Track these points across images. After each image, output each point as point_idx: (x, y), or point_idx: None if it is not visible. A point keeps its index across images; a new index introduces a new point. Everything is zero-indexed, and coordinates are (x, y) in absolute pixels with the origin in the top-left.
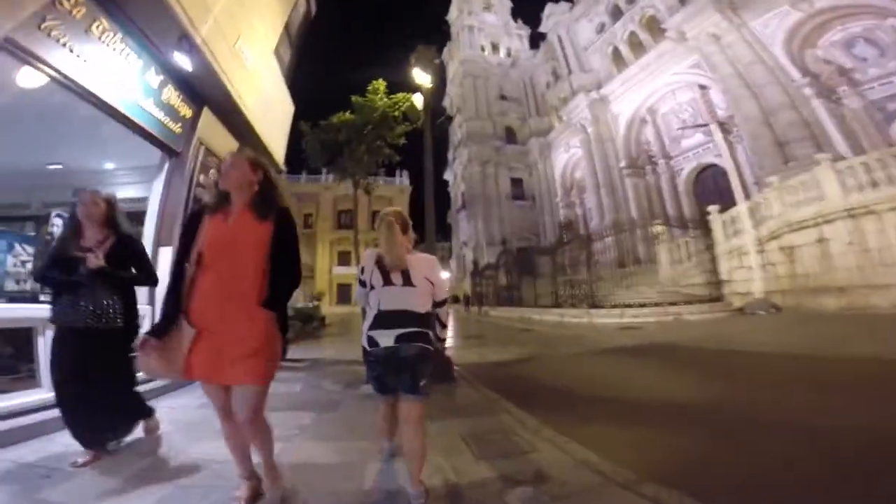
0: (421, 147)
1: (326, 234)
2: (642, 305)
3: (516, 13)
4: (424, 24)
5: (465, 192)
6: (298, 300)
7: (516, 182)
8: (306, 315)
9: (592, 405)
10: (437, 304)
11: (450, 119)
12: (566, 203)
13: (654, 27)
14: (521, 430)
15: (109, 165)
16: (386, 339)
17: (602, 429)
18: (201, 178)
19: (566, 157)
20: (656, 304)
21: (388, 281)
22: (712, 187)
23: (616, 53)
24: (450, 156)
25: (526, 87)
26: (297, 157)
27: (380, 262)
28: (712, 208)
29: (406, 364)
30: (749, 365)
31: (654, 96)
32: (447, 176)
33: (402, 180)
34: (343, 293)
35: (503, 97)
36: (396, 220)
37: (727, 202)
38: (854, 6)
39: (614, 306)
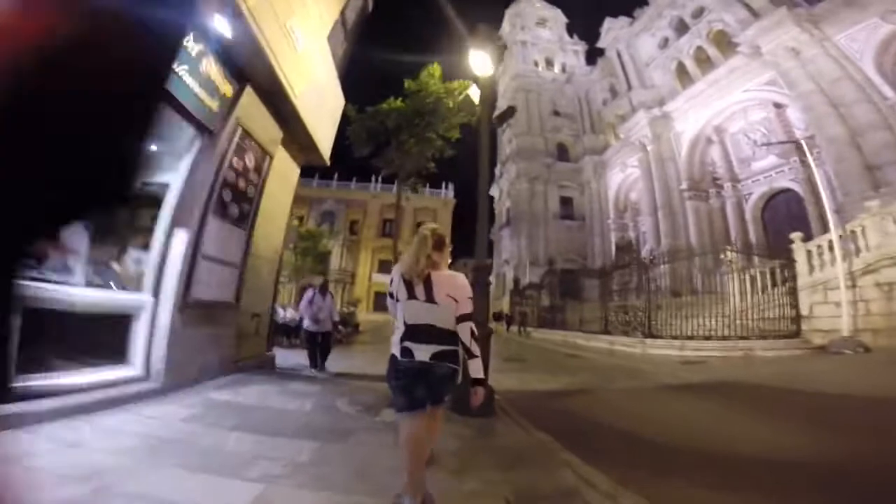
0: (467, 159)
1: (370, 242)
2: (707, 338)
3: (572, 29)
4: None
5: (510, 209)
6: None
7: (566, 201)
8: (342, 319)
9: (671, 455)
10: (461, 319)
11: (513, 110)
12: (618, 226)
13: (723, 42)
14: (590, 494)
15: None
16: (422, 353)
17: (699, 493)
18: (234, 160)
19: (621, 176)
20: (723, 338)
21: (411, 295)
22: (784, 214)
23: (680, 69)
24: (497, 171)
25: (581, 103)
26: (345, 157)
27: (404, 276)
28: (795, 236)
29: (437, 382)
30: (848, 409)
31: (722, 115)
32: (493, 191)
33: (447, 193)
34: (380, 301)
35: (556, 113)
36: (432, 236)
37: (800, 231)
38: None
39: (674, 337)
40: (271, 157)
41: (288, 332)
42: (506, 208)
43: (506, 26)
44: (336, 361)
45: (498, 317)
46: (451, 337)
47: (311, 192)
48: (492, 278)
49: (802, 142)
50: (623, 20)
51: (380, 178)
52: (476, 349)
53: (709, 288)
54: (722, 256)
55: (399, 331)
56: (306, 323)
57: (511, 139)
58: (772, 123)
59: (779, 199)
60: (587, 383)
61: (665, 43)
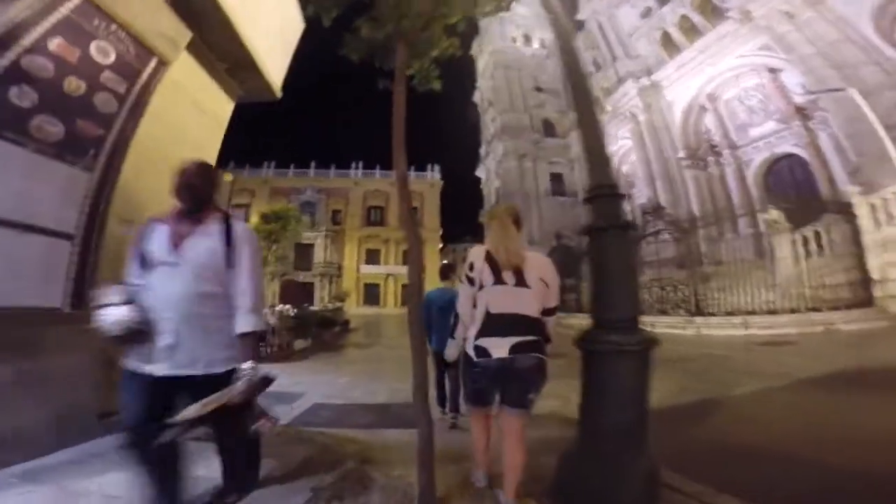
0: (454, 139)
1: (355, 232)
2: (772, 312)
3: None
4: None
5: (499, 189)
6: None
7: (556, 178)
8: (324, 319)
9: None
10: (547, 312)
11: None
12: None
13: (708, 9)
14: None
15: None
16: (499, 349)
17: None
18: (54, 42)
19: (613, 149)
20: (792, 311)
21: (499, 279)
22: (789, 179)
23: (666, 38)
24: (482, 151)
25: (564, 77)
26: (327, 141)
27: (490, 259)
28: (852, 189)
29: (519, 376)
30: None
31: (714, 82)
32: (479, 172)
33: (433, 174)
34: (371, 293)
35: (539, 89)
36: (509, 215)
37: (806, 195)
38: None
39: (729, 313)
40: (164, 64)
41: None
42: (494, 188)
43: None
44: (316, 375)
45: None
46: (535, 326)
47: (287, 182)
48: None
49: (788, 111)
50: None
51: (360, 164)
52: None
53: (743, 255)
54: (765, 216)
55: (475, 325)
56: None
57: (494, 117)
58: (766, 89)
59: (782, 165)
60: (688, 387)
61: (648, 13)
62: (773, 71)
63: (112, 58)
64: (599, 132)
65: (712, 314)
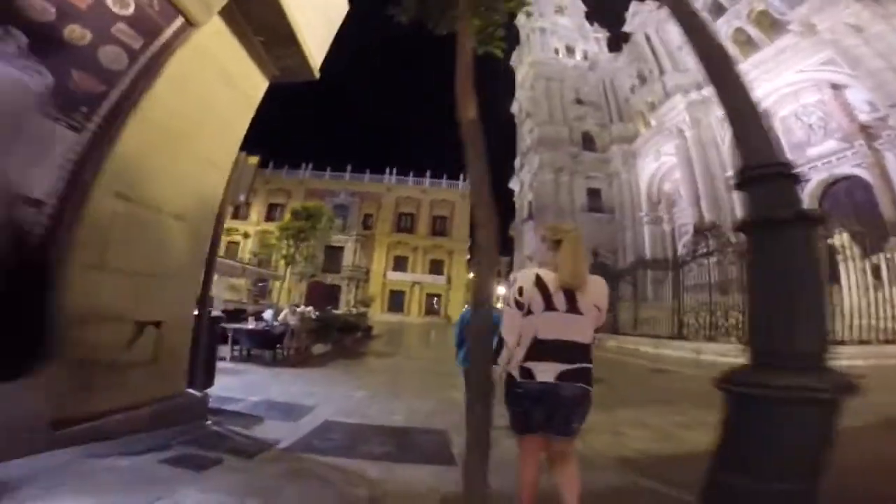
0: (491, 145)
1: (385, 238)
2: (840, 342)
3: (591, 17)
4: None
5: (533, 202)
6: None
7: (593, 193)
8: (347, 324)
9: None
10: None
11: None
12: (652, 218)
13: (765, 23)
14: None
15: None
16: (545, 374)
17: None
18: None
19: (655, 166)
20: (861, 342)
21: (549, 306)
22: (846, 202)
23: None
24: (516, 163)
25: (606, 90)
26: (363, 145)
27: (540, 283)
28: None
29: (563, 405)
30: None
31: (770, 97)
32: (513, 185)
33: (466, 185)
34: (395, 300)
35: (579, 101)
36: (580, 235)
37: (864, 219)
38: None
39: None
40: (192, 25)
41: (270, 342)
42: (528, 201)
43: (521, 16)
44: (331, 385)
45: None
46: (586, 352)
47: (322, 184)
48: (512, 274)
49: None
50: (650, 4)
51: (394, 170)
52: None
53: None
54: (830, 240)
55: (522, 346)
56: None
57: (532, 129)
58: (827, 105)
59: (838, 188)
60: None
61: None
62: (835, 87)
63: (131, 9)
64: (747, 94)
65: None
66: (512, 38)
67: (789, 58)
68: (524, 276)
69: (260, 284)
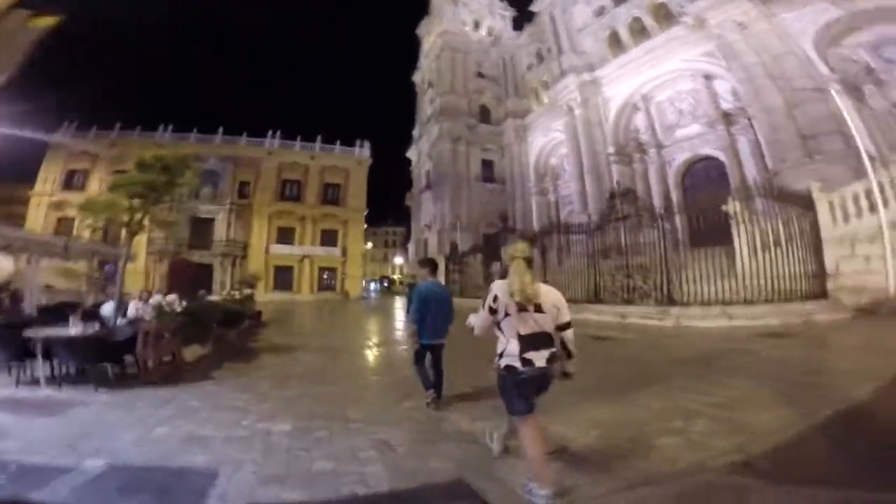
0: (387, 114)
1: (265, 207)
2: (749, 302)
3: None
4: None
5: (431, 171)
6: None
7: (487, 164)
8: (229, 313)
9: None
10: (563, 327)
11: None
12: (539, 189)
13: (660, 13)
14: None
15: None
16: (540, 360)
17: None
18: None
19: (543, 141)
20: (767, 301)
21: (522, 308)
22: (704, 180)
23: (613, 37)
24: (415, 132)
25: (506, 66)
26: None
27: (513, 294)
28: (814, 185)
29: (546, 382)
30: None
31: (652, 83)
32: (410, 154)
33: (362, 150)
34: (282, 277)
35: (480, 74)
36: (525, 261)
37: (720, 195)
38: None
39: (706, 303)
40: None
41: (110, 352)
42: (425, 171)
43: None
44: (229, 426)
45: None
46: (553, 340)
47: (187, 149)
48: (411, 245)
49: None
50: None
51: (277, 133)
52: (574, 350)
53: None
54: (724, 207)
55: (512, 342)
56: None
57: (433, 99)
58: (698, 94)
59: (698, 166)
60: (794, 396)
61: (601, 11)
62: (708, 77)
63: None
64: None
65: (686, 304)
66: (420, 8)
67: (676, 47)
68: (499, 287)
69: (108, 268)
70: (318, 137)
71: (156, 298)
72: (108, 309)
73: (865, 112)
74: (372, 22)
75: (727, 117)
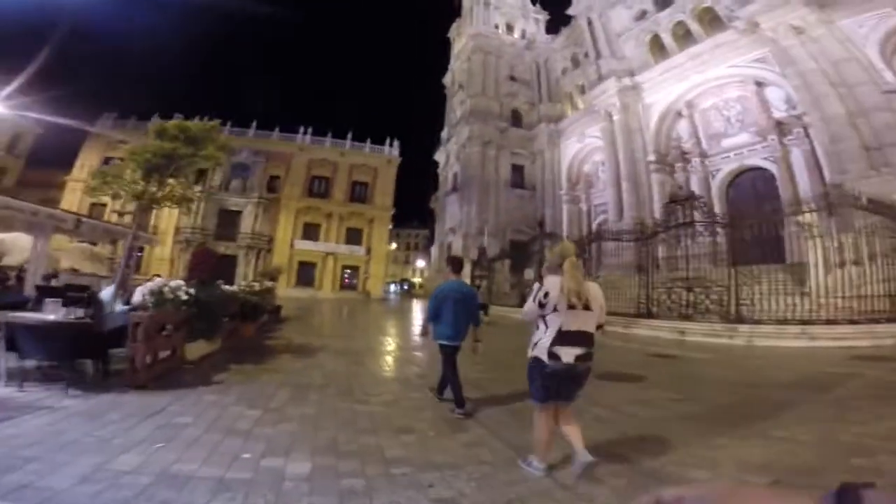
0: (418, 114)
1: (293, 202)
2: (831, 322)
3: None
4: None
5: (458, 174)
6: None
7: (517, 169)
8: (246, 305)
9: None
10: (600, 326)
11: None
12: (570, 197)
13: (706, 18)
14: None
15: None
16: (568, 356)
17: None
18: None
19: (577, 147)
20: (851, 322)
21: (571, 305)
22: (750, 192)
23: (655, 42)
24: (444, 134)
25: (539, 70)
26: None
27: (563, 289)
28: None
29: (575, 379)
30: None
31: (697, 89)
32: (438, 156)
33: (392, 150)
34: (305, 273)
35: (513, 78)
36: (578, 259)
37: (765, 209)
38: None
39: (783, 322)
40: None
41: (90, 345)
42: (453, 173)
43: None
44: (220, 466)
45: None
46: (592, 340)
47: (220, 141)
48: (434, 248)
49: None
50: None
51: (309, 129)
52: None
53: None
54: (799, 219)
55: (548, 335)
56: None
57: (464, 101)
58: (748, 101)
59: (744, 178)
60: None
61: (642, 15)
62: (759, 84)
63: None
64: None
65: (758, 322)
66: (452, 11)
67: (724, 53)
68: (552, 283)
69: (138, 254)
70: (349, 135)
71: (156, 282)
72: (107, 293)
73: None
74: (403, 24)
75: (780, 126)
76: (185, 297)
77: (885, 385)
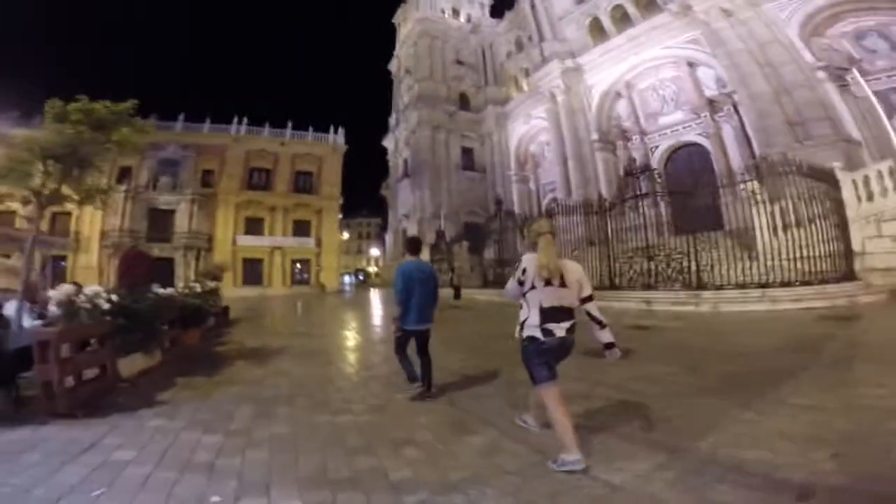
0: (362, 104)
1: (231, 196)
2: (786, 284)
3: None
4: None
5: (409, 159)
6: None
7: (467, 152)
8: (187, 310)
9: None
10: (586, 300)
11: None
12: (519, 177)
13: (642, 1)
14: None
15: None
16: (560, 330)
17: None
18: None
19: (524, 128)
20: (803, 283)
21: (548, 282)
22: (686, 166)
23: (595, 25)
24: (392, 120)
25: (485, 54)
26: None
27: (537, 265)
28: (836, 165)
29: (566, 350)
30: None
31: (635, 70)
32: (387, 142)
33: (337, 137)
34: (252, 271)
35: (459, 62)
36: (551, 235)
37: (702, 181)
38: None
39: (742, 286)
40: None
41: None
42: (403, 159)
43: None
44: None
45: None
46: (573, 313)
47: (143, 137)
48: (388, 236)
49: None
50: None
51: (244, 120)
52: (604, 319)
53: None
54: (742, 186)
55: (533, 314)
56: None
57: (411, 86)
58: (682, 81)
59: (681, 153)
60: None
61: None
62: (691, 65)
63: None
64: None
65: (720, 287)
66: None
67: (660, 35)
68: (528, 261)
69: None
70: (289, 124)
71: (64, 290)
72: (10, 308)
73: (849, 100)
74: (344, 10)
75: (711, 104)
76: (106, 306)
77: (866, 346)
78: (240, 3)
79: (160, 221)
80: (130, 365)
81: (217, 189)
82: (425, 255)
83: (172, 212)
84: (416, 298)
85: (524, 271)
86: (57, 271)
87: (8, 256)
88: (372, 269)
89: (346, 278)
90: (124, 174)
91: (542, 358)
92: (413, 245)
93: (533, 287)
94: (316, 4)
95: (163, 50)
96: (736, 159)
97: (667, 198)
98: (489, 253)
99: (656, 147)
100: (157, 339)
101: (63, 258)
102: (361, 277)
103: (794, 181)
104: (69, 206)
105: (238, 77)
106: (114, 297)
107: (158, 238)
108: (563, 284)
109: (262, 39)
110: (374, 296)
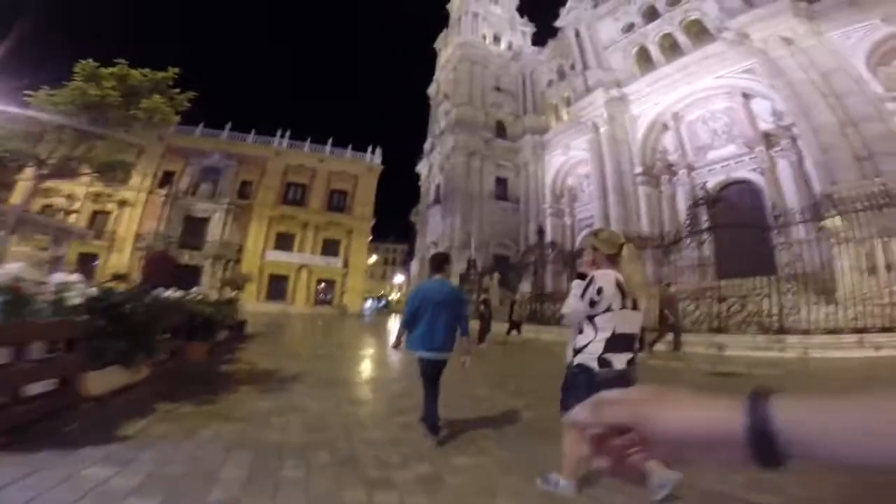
0: (397, 130)
1: (266, 209)
2: (887, 329)
3: (522, 10)
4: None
5: (442, 185)
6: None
7: (501, 181)
8: (196, 317)
9: None
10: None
11: None
12: (554, 211)
13: (693, 31)
14: None
15: None
16: (619, 362)
17: None
18: None
19: (562, 160)
20: (884, 329)
21: (625, 304)
22: (736, 205)
23: (641, 54)
24: (427, 145)
25: (525, 82)
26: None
27: (620, 286)
28: None
29: (626, 384)
30: None
31: (684, 101)
32: (420, 168)
33: (374, 157)
34: (276, 287)
35: (498, 89)
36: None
37: (750, 221)
38: None
39: (832, 331)
40: None
41: None
42: (435, 185)
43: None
44: None
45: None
46: (636, 342)
47: (189, 142)
48: (414, 263)
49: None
50: (587, 2)
51: (287, 133)
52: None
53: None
54: (822, 224)
55: (598, 339)
56: None
57: (448, 110)
58: (735, 113)
59: (730, 191)
60: None
61: (630, 28)
62: (746, 96)
63: None
64: None
65: (807, 332)
66: (440, 21)
67: (712, 64)
68: (606, 279)
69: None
70: (329, 140)
71: (7, 270)
72: None
73: None
74: (389, 34)
75: (767, 138)
76: (76, 301)
77: None
78: (296, 21)
79: (194, 228)
80: (104, 380)
81: (253, 201)
82: (454, 281)
83: (207, 220)
84: (427, 321)
85: (599, 290)
86: (88, 269)
87: (45, 249)
88: (394, 296)
89: (368, 302)
90: (167, 178)
91: (591, 391)
92: (437, 262)
93: (608, 309)
94: (364, 28)
95: (213, 58)
96: (791, 198)
97: (711, 238)
98: (524, 286)
99: (704, 183)
100: (147, 349)
101: (95, 256)
102: (384, 303)
103: (886, 215)
104: (109, 206)
105: (287, 91)
106: (92, 291)
107: (190, 245)
108: (636, 306)
109: (316, 55)
110: (396, 322)
